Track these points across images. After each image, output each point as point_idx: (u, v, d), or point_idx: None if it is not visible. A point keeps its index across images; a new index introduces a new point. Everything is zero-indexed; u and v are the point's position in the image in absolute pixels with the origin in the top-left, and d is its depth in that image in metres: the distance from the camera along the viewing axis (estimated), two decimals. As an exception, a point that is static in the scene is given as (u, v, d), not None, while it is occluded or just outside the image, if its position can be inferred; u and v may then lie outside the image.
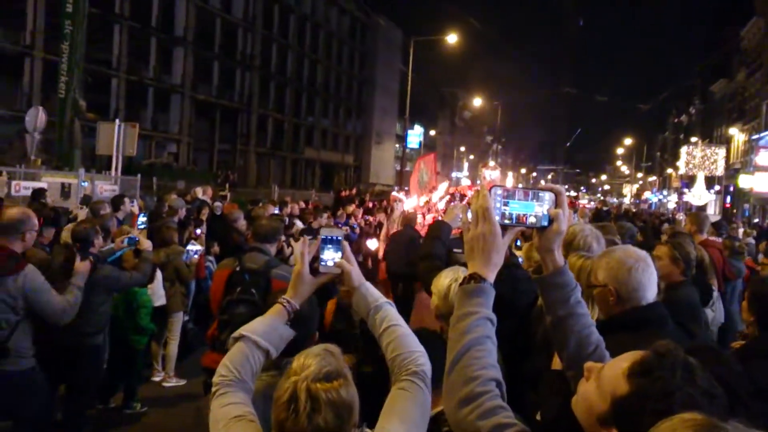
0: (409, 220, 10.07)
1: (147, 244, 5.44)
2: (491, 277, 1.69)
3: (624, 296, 2.42)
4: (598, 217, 12.20)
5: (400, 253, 9.20)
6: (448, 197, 15.36)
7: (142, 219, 7.59)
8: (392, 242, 9.74)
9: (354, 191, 28.99)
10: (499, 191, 1.71)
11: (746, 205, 42.14)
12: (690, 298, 3.81)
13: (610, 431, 1.45)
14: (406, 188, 15.66)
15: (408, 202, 13.18)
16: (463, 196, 16.04)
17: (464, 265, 1.95)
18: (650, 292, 2.45)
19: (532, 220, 1.72)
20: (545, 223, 1.72)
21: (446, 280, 2.98)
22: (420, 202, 13.32)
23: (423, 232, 10.63)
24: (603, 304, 2.49)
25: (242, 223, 9.82)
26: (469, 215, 1.74)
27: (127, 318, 6.15)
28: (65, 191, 13.34)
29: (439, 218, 10.38)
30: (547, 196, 1.72)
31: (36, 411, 4.24)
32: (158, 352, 7.29)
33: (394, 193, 13.84)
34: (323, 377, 1.65)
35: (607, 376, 1.49)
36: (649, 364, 1.44)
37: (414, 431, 1.86)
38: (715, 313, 4.46)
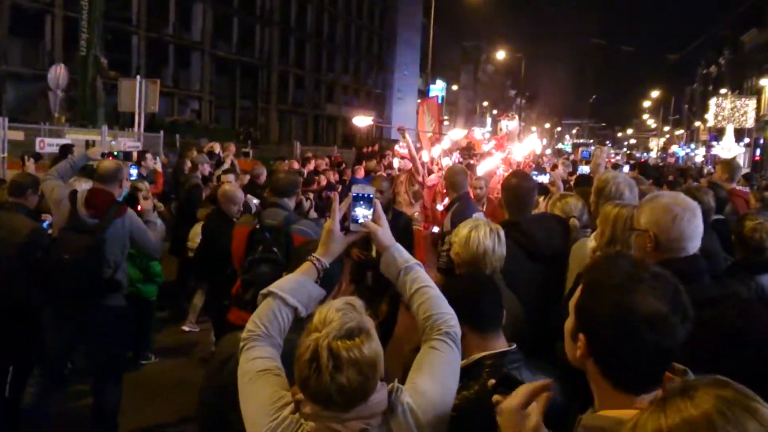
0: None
1: (145, 204, 4.99)
2: None
3: (663, 244, 2.34)
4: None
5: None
6: (456, 155, 13.96)
7: (132, 171, 7.56)
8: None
9: (376, 147, 28.81)
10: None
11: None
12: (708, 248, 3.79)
13: (578, 340, 1.48)
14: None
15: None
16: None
17: None
18: (692, 243, 2.35)
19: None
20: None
21: (465, 229, 3.07)
22: (424, 157, 11.10)
23: (426, 193, 10.02)
24: (640, 250, 2.41)
25: (264, 179, 9.85)
26: None
27: (136, 269, 6.19)
28: (90, 148, 13.45)
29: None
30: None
31: (122, 346, 4.84)
32: (198, 305, 7.38)
33: (397, 148, 11.06)
34: (345, 334, 1.63)
35: (571, 300, 1.55)
36: (597, 261, 1.56)
37: (443, 388, 1.85)
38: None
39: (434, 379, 1.84)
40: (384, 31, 65.90)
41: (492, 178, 9.93)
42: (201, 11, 41.25)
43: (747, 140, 42.39)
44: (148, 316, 6.58)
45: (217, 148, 11.70)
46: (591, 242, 2.95)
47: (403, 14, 66.27)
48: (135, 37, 36.10)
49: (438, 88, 60.47)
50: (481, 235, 3.01)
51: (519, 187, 3.93)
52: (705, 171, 22.18)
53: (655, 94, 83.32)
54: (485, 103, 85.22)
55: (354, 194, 2.05)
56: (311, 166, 13.71)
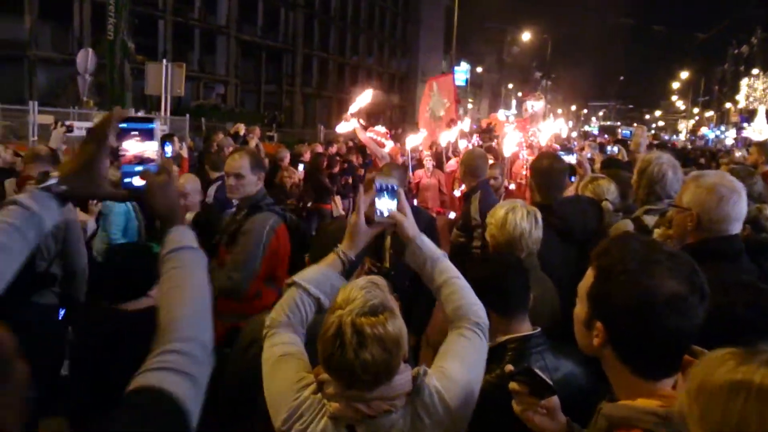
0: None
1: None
2: None
3: (705, 224, 2.29)
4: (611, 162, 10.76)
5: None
6: (476, 137, 13.30)
7: (167, 149, 7.72)
8: None
9: (400, 131, 28.67)
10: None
11: (810, 140, 40.26)
12: None
13: (594, 329, 1.45)
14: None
15: (413, 139, 9.71)
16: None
17: None
18: (735, 225, 2.31)
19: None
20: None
21: (502, 211, 3.04)
22: (440, 139, 10.45)
23: (444, 178, 9.68)
24: (679, 228, 2.38)
25: (288, 162, 9.87)
26: None
27: None
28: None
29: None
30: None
31: (57, 351, 3.96)
32: None
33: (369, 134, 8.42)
34: (368, 311, 1.63)
35: (581, 287, 1.53)
36: (607, 246, 1.49)
37: (471, 374, 1.86)
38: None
39: (462, 364, 1.85)
40: (407, 14, 65.33)
41: (515, 163, 9.78)
42: (226, -5, 41.27)
43: (779, 122, 41.45)
44: None
45: (242, 129, 11.76)
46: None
47: (427, -4, 65.61)
48: (161, 22, 36.24)
49: (462, 70, 60.00)
50: (518, 217, 2.95)
51: (551, 168, 3.85)
52: (738, 154, 21.72)
53: (684, 75, 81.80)
54: (510, 86, 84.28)
55: (377, 186, 2.04)
56: (333, 149, 13.74)
